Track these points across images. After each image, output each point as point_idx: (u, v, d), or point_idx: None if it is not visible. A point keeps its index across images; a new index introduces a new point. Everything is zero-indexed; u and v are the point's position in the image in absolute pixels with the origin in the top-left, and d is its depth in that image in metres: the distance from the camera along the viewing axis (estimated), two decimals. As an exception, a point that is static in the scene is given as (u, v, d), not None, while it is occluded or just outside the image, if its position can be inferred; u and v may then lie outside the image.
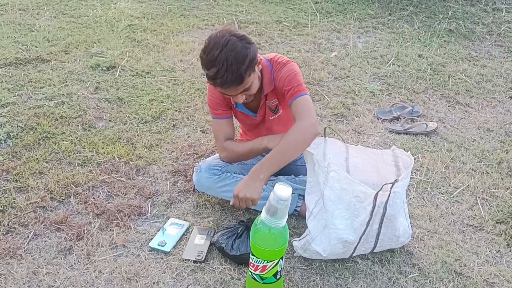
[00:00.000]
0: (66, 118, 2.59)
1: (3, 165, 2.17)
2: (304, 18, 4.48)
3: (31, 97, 2.76)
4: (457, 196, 2.23)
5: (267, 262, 1.50)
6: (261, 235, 1.48)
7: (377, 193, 1.61)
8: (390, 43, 4.09)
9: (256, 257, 1.51)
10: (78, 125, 2.54)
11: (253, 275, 1.55)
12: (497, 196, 2.24)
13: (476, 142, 2.70)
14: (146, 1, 4.63)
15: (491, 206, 2.17)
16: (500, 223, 2.07)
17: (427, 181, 2.30)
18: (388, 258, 1.82)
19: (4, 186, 2.05)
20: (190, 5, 4.62)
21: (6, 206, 1.94)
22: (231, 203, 1.78)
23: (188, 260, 1.75)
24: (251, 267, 1.55)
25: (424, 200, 2.19)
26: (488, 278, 1.77)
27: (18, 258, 1.72)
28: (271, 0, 4.90)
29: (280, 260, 1.52)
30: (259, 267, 1.52)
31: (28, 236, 1.82)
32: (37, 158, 2.24)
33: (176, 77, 3.19)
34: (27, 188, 2.05)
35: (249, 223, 1.80)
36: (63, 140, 2.40)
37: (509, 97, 3.31)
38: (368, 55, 3.79)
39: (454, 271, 1.79)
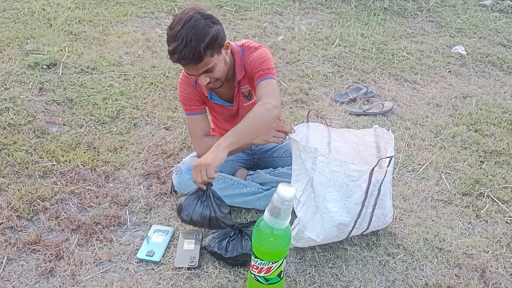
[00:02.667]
0: (15, 125, 2.38)
1: (-47, 185, 1.96)
2: (245, 2, 4.42)
3: (-31, 104, 2.51)
4: (423, 173, 2.34)
5: (272, 264, 1.49)
6: (265, 237, 1.45)
7: (372, 169, 1.63)
8: (332, 23, 4.16)
9: (261, 260, 1.49)
10: (29, 133, 2.34)
11: (257, 277, 1.53)
12: (458, 169, 2.38)
13: (429, 118, 2.84)
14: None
15: (455, 179, 2.30)
16: (466, 195, 2.20)
17: (395, 160, 2.39)
18: (374, 242, 1.88)
19: (-40, 209, 1.86)
20: (124, -9, 4.39)
21: (-32, 231, 1.76)
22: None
23: (182, 268, 1.69)
24: (254, 269, 1.53)
25: (395, 179, 2.28)
26: (466, 250, 1.88)
27: (-4, 289, 1.57)
28: (209, -16, 4.77)
29: (284, 259, 1.51)
30: (263, 269, 1.50)
31: (2, 262, 1.66)
32: (-9, 174, 2.05)
33: (125, 71, 3.03)
34: (-13, 209, 1.87)
35: (241, 226, 1.77)
36: (16, 151, 2.20)
37: (448, 71, 3.51)
38: (314, 37, 3.83)
39: (436, 247, 1.88)
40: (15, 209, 1.88)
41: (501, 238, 1.96)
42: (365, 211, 1.71)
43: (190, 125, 1.93)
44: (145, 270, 1.69)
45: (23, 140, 2.28)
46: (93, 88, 2.78)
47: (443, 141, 2.61)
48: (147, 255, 1.73)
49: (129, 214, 1.93)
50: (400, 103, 2.98)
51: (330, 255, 1.80)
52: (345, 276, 1.72)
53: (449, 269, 1.78)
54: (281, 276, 1.55)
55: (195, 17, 1.58)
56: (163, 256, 1.74)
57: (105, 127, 2.46)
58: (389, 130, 1.89)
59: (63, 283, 1.61)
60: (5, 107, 2.50)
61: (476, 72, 3.53)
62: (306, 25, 4.10)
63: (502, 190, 2.24)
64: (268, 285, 1.54)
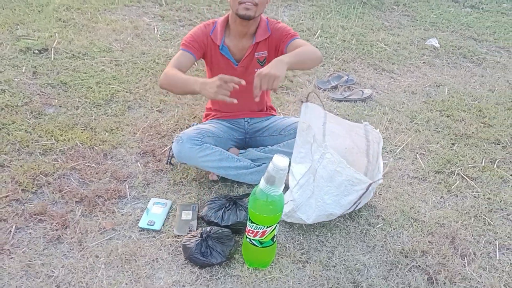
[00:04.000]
0: (12, 106, 2.46)
1: (-42, 160, 2.05)
2: (229, -7, 4.54)
3: (-35, 86, 2.57)
4: (399, 153, 2.53)
5: (266, 228, 1.64)
6: (261, 203, 1.60)
7: (371, 183, 1.79)
8: (313, 15, 4.32)
9: (256, 224, 1.64)
10: (27, 113, 2.43)
11: (252, 240, 1.68)
12: (431, 150, 2.58)
13: (405, 104, 3.03)
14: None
15: (428, 159, 2.50)
16: (438, 173, 2.40)
17: (374, 142, 2.57)
18: (356, 213, 2.05)
19: (-33, 183, 1.95)
20: (109, -20, 4.44)
21: (-24, 203, 1.86)
22: (254, 92, 1.72)
23: (181, 235, 1.83)
24: (249, 234, 1.68)
25: (374, 159, 2.45)
26: (438, 221, 2.08)
27: (7, 253, 1.68)
28: (193, -26, 4.86)
29: (277, 224, 1.67)
30: (258, 233, 1.65)
31: (10, 231, 1.77)
32: (-7, 151, 2.14)
33: (115, 57, 3.12)
34: (-8, 183, 1.97)
35: (235, 198, 1.92)
36: (16, 130, 2.29)
37: (423, 62, 3.72)
38: (296, 28, 3.98)
39: (411, 217, 2.07)
40: (19, 183, 1.98)
41: (469, 210, 2.16)
42: (355, 207, 1.89)
43: (176, 57, 2.00)
44: (146, 238, 1.82)
45: (21, 120, 2.36)
46: (85, 73, 2.87)
47: (418, 125, 2.80)
48: (148, 224, 1.86)
49: (128, 188, 2.05)
50: (379, 91, 3.17)
51: (316, 224, 1.97)
52: (330, 242, 1.89)
53: (423, 236, 1.97)
54: (274, 240, 1.71)
55: None
56: (163, 225, 1.87)
57: (100, 109, 2.56)
58: (377, 129, 2.07)
59: (70, 249, 1.73)
60: (1, 89, 2.57)
61: (448, 63, 3.75)
62: (289, 17, 4.25)
63: (470, 168, 2.45)
64: (262, 248, 1.69)
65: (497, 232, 2.04)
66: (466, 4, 5.21)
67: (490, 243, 1.99)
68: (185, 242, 1.75)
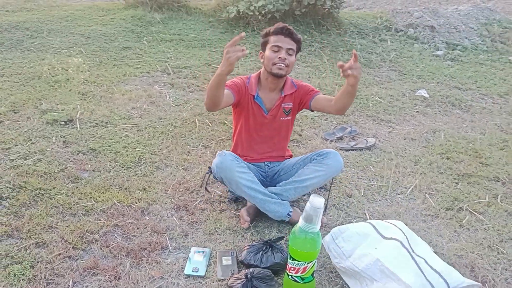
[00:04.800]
0: (50, 173, 2.64)
1: (10, 224, 2.20)
2: (230, 60, 4.90)
3: (3, 158, 2.75)
4: (410, 194, 2.74)
5: (307, 264, 1.81)
6: (301, 240, 1.78)
7: None
8: (309, 75, 4.67)
9: (298, 261, 1.80)
10: (64, 179, 2.61)
11: (294, 277, 1.84)
12: (438, 190, 2.80)
13: (407, 150, 3.28)
14: (73, 54, 4.68)
15: (437, 198, 2.71)
16: (448, 210, 2.60)
17: (386, 186, 2.79)
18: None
19: (22, 244, 2.09)
20: (118, 55, 4.78)
21: (33, 261, 1.99)
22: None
23: (225, 279, 1.98)
24: (291, 271, 1.84)
25: (387, 201, 2.66)
26: (456, 252, 2.26)
27: (69, 306, 1.81)
28: (194, 45, 5.25)
29: (316, 260, 1.84)
30: (300, 269, 1.82)
31: (69, 285, 1.90)
32: (40, 214, 2.29)
33: (136, 123, 3.36)
34: (45, 243, 2.11)
35: (271, 241, 2.09)
36: (57, 194, 2.46)
37: (416, 111, 4.03)
38: (296, 88, 4.30)
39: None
40: (69, 242, 2.13)
41: (483, 241, 2.35)
42: None
43: None
44: (193, 283, 1.96)
45: (60, 186, 2.54)
46: (111, 139, 3.09)
47: (422, 168, 3.04)
48: (193, 271, 2.01)
49: (169, 240, 2.21)
50: (381, 139, 3.43)
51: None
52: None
53: (445, 266, 2.14)
54: (313, 276, 1.87)
55: None
56: (206, 271, 2.02)
57: (130, 171, 2.76)
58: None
59: (126, 298, 1.87)
60: (37, 159, 2.76)
61: (439, 111, 4.07)
62: (287, 78, 4.59)
63: (476, 204, 2.66)
64: (304, 284, 1.85)
65: (511, 260, 2.22)
66: (446, 57, 5.64)
67: (506, 270, 2.16)
68: (231, 284, 1.90)
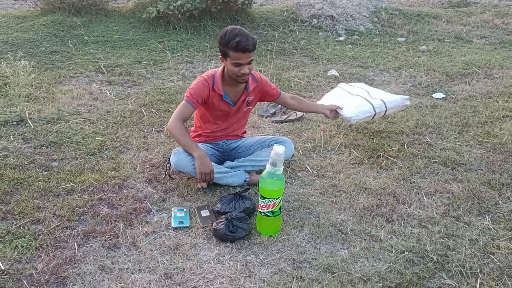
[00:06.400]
0: (21, 166, 2.84)
1: (0, 210, 2.41)
2: (159, 56, 5.22)
3: (-31, 157, 2.89)
4: (338, 150, 3.32)
5: (276, 199, 2.28)
6: (269, 181, 2.25)
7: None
8: (234, 65, 5.13)
9: (268, 198, 2.27)
10: (36, 169, 2.83)
11: (266, 213, 2.30)
12: (359, 144, 3.41)
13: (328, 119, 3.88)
14: (2, 61, 4.70)
15: (359, 150, 3.32)
16: (370, 158, 3.22)
17: (318, 146, 3.35)
18: (326, 189, 2.76)
19: (18, 223, 2.32)
20: (48, 59, 4.88)
21: (34, 235, 2.25)
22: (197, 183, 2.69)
23: (207, 226, 2.38)
24: (263, 208, 2.30)
25: (321, 157, 3.22)
26: (380, 186, 2.86)
27: (80, 261, 2.11)
28: (120, 45, 5.47)
29: (281, 197, 2.31)
30: (270, 205, 2.28)
31: (74, 247, 2.19)
32: (25, 199, 2.52)
33: (87, 118, 3.60)
34: (39, 220, 2.37)
35: (240, 192, 2.53)
36: (35, 182, 2.69)
37: (331, 88, 4.66)
38: (225, 76, 4.74)
39: (362, 187, 2.83)
40: (61, 216, 2.40)
41: (398, 176, 2.98)
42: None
43: (182, 108, 2.65)
44: (182, 232, 2.34)
45: (36, 174, 2.76)
46: (68, 132, 3.32)
47: (344, 130, 3.65)
48: (179, 224, 2.39)
49: (150, 205, 2.56)
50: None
51: (299, 200, 2.64)
52: (314, 210, 2.56)
53: (375, 197, 2.73)
54: (280, 210, 2.35)
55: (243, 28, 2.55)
56: (190, 223, 2.41)
57: (96, 156, 3.03)
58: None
59: (128, 249, 2.20)
60: (3, 155, 2.93)
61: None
62: (212, 67, 5.01)
63: (390, 151, 3.31)
64: (274, 217, 2.31)
65: (420, 186, 2.88)
66: (347, 42, 6.43)
67: (418, 193, 2.80)
68: (215, 226, 2.31)
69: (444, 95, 4.52)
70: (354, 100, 3.31)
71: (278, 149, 2.22)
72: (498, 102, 4.33)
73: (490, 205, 2.68)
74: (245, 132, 3.08)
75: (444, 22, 7.70)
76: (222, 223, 2.31)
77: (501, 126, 3.76)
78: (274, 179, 2.26)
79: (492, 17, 7.96)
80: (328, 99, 3.42)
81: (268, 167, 2.26)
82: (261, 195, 2.30)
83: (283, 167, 2.28)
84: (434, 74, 5.22)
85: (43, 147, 3.10)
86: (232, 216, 2.33)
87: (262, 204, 2.31)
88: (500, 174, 3.03)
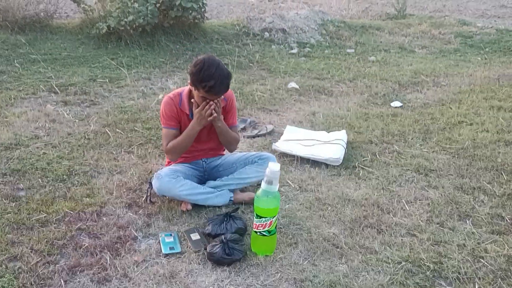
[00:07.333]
0: (-14, 197, 2.60)
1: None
2: (114, 73, 5.02)
3: None
4: (313, 162, 3.33)
5: (272, 218, 2.22)
6: (265, 199, 2.20)
7: None
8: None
9: (264, 217, 2.21)
10: (3, 200, 2.60)
11: (262, 232, 2.24)
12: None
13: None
14: None
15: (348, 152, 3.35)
16: (346, 169, 3.25)
17: (295, 158, 3.34)
18: (312, 203, 2.74)
19: (-6, 262, 2.11)
20: (-7, 80, 4.55)
21: (14, 273, 2.06)
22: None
23: (199, 250, 2.28)
24: (259, 227, 2.23)
25: (299, 170, 3.21)
26: (363, 197, 2.89)
27: (72, 299, 1.94)
28: (70, 63, 5.21)
29: (277, 215, 2.26)
30: (267, 224, 2.22)
31: (61, 284, 2.02)
32: (-4, 234, 2.30)
33: (47, 141, 3.37)
34: (16, 256, 2.17)
35: (230, 213, 2.45)
36: (4, 214, 2.47)
37: (294, 100, 4.70)
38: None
39: (345, 199, 2.84)
40: (40, 251, 2.21)
41: (377, 185, 3.02)
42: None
43: (165, 135, 2.59)
44: (175, 259, 2.23)
45: (4, 206, 2.53)
46: (30, 158, 3.08)
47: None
48: (170, 250, 2.27)
49: (135, 231, 2.42)
50: (276, 125, 3.99)
51: (288, 214, 2.60)
52: (305, 225, 2.54)
53: (359, 208, 2.75)
54: (276, 229, 2.29)
55: (218, 60, 2.40)
56: (181, 248, 2.30)
57: (66, 183, 2.83)
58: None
59: (121, 282, 2.06)
60: (-37, 186, 2.67)
61: (311, 98, 4.80)
62: (173, 84, 4.91)
63: (364, 161, 3.36)
64: (270, 236, 2.26)
65: (399, 194, 2.93)
66: (300, 54, 6.53)
67: (399, 202, 2.85)
68: (210, 250, 2.22)
69: (402, 104, 4.68)
70: (327, 146, 3.45)
71: (274, 167, 2.17)
72: (451, 109, 4.53)
73: (468, 209, 2.77)
74: (224, 149, 3.00)
75: (386, 33, 8.03)
76: (217, 246, 2.22)
77: (459, 132, 3.93)
78: (270, 197, 2.21)
79: (429, 28, 8.40)
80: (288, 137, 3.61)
81: (263, 185, 2.20)
82: (256, 214, 2.24)
83: (278, 185, 2.24)
84: (387, 83, 5.41)
85: (5, 176, 2.86)
86: (227, 238, 2.25)
87: (258, 224, 2.25)
88: (469, 179, 3.15)
